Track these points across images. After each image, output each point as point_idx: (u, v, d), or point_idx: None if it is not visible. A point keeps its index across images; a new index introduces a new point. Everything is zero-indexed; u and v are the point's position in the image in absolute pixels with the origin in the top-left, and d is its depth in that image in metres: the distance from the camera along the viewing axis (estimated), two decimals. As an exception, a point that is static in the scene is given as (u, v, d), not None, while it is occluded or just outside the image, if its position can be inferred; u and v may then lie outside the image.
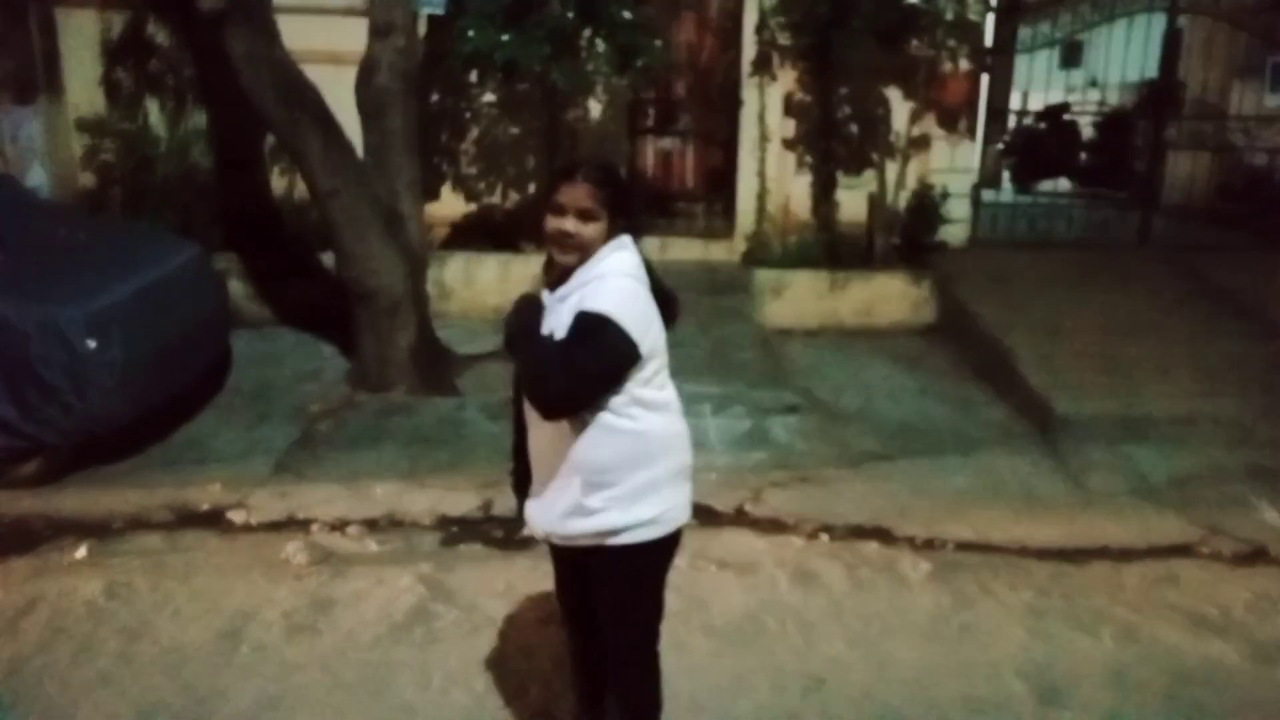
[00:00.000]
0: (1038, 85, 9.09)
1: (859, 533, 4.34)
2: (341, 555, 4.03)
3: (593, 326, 2.10)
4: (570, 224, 2.17)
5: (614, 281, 2.17)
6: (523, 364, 2.24)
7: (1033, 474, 5.04)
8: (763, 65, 7.65)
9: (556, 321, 2.19)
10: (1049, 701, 3.15)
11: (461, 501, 4.53)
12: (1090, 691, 3.20)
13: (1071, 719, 3.08)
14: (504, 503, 4.48)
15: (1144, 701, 3.17)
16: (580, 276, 2.21)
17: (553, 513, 2.31)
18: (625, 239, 2.26)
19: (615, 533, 2.26)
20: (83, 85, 7.45)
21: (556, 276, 2.26)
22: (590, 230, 2.19)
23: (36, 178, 7.16)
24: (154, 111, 7.55)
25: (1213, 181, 8.81)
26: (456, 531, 4.29)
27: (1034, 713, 3.09)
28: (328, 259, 6.38)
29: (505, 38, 6.18)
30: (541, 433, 2.28)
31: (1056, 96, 10.88)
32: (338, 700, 3.07)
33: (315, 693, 3.11)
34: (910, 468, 5.09)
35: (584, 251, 2.20)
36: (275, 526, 4.29)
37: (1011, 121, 10.37)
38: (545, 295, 2.27)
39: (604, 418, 2.20)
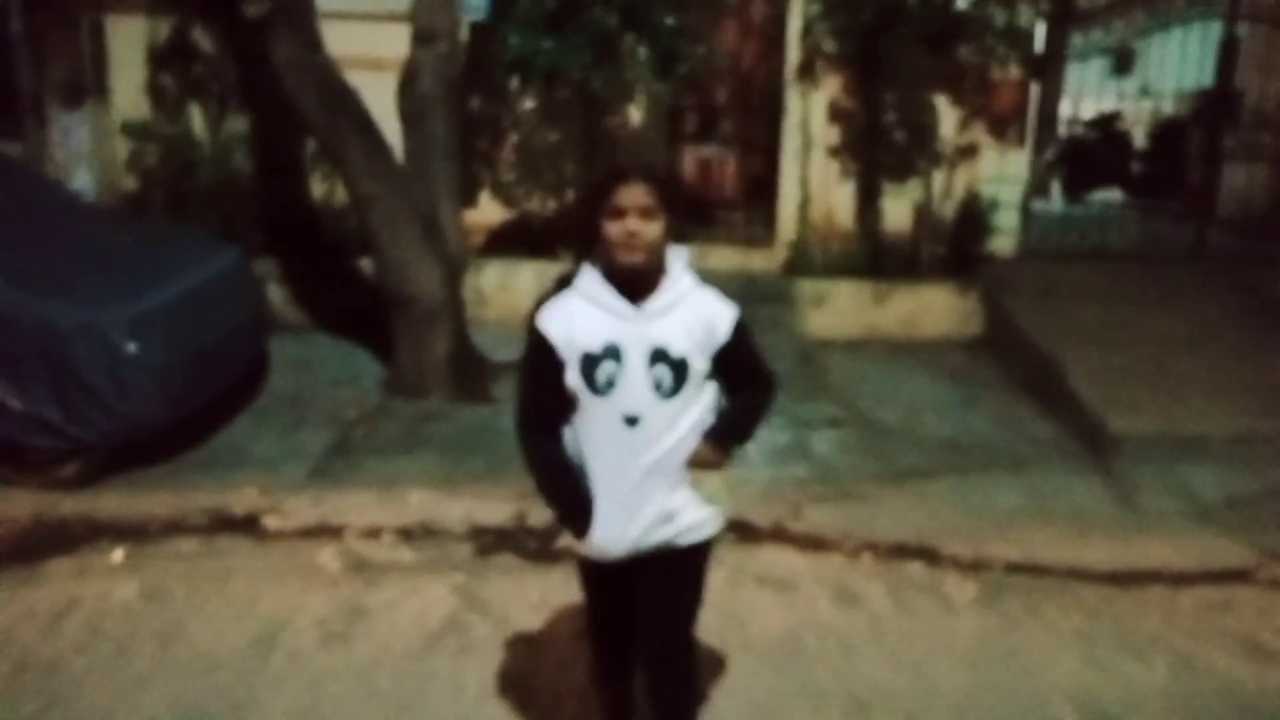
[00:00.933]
0: (1089, 93, 8.92)
1: (902, 551, 4.25)
2: (375, 563, 4.03)
3: (748, 328, 2.35)
4: (634, 223, 2.17)
5: (711, 291, 2.35)
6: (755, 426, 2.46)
7: (1083, 493, 4.92)
8: (806, 71, 7.58)
9: (662, 334, 2.23)
10: (1101, 731, 3.04)
11: (496, 511, 4.49)
12: (1144, 721, 3.09)
13: (1125, 750, 2.97)
14: (539, 514, 4.47)
15: (1202, 735, 3.06)
16: (669, 291, 2.26)
17: (637, 527, 2.31)
18: (684, 252, 2.33)
19: (693, 529, 2.36)
20: (128, 90, 7.57)
21: (625, 284, 2.25)
22: (654, 228, 2.20)
23: (82, 181, 7.33)
24: (197, 116, 7.67)
25: (1271, 193, 8.59)
26: (490, 542, 4.26)
27: (1085, 742, 2.99)
28: (366, 265, 6.43)
29: (547, 44, 6.19)
30: (625, 451, 2.27)
31: (1108, 105, 10.68)
32: (371, 711, 3.07)
33: (348, 702, 3.10)
34: (956, 485, 4.98)
35: (650, 251, 2.21)
36: (310, 533, 4.30)
37: (1062, 130, 10.21)
38: (621, 307, 2.24)
39: (701, 417, 2.34)
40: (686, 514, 2.33)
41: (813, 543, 4.28)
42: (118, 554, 4.06)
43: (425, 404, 5.71)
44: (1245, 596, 3.95)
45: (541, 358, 2.27)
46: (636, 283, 2.24)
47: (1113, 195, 10.04)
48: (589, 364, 2.22)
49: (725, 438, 2.36)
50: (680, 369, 2.23)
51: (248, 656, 3.33)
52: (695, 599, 2.49)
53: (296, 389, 5.94)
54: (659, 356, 2.22)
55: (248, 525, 4.36)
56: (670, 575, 2.41)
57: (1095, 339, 6.40)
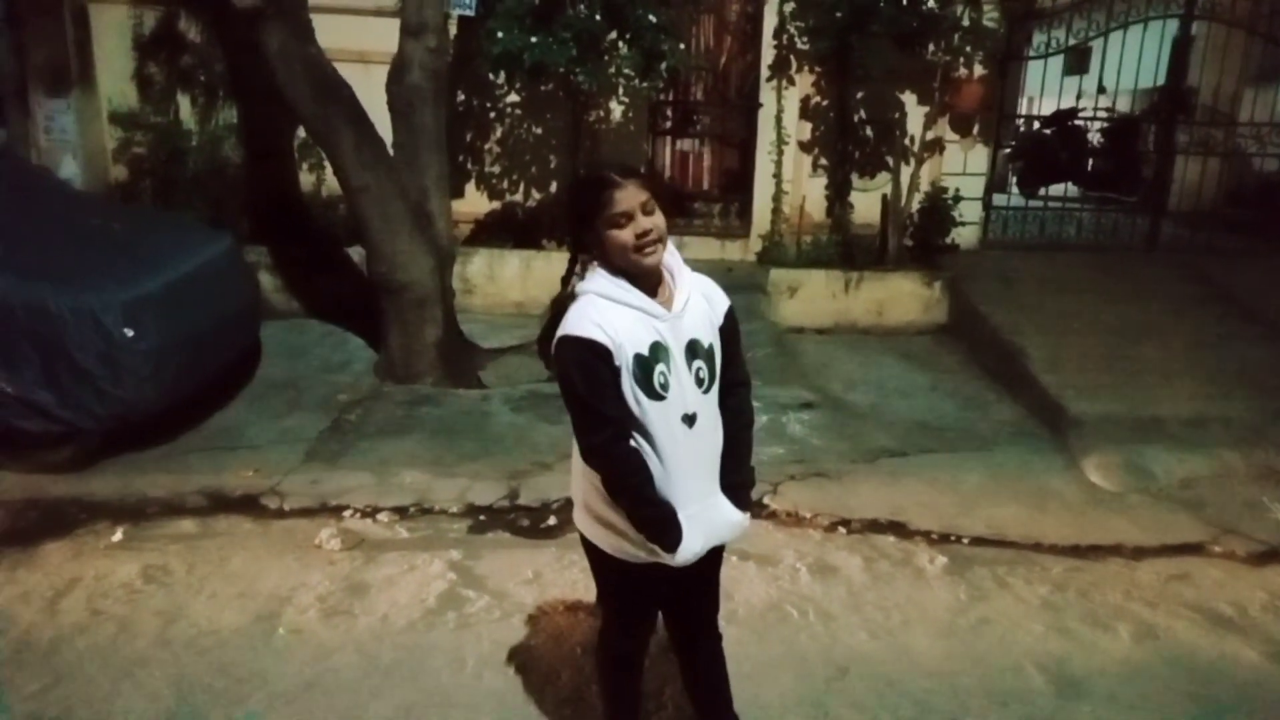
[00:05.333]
0: (1044, 91, 9.13)
1: (875, 527, 4.40)
2: (373, 541, 4.09)
3: (736, 316, 2.32)
4: (644, 221, 2.08)
5: (705, 277, 2.32)
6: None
7: (1045, 472, 5.10)
8: (781, 69, 7.75)
9: (690, 327, 2.18)
10: (1069, 695, 3.17)
11: (488, 490, 4.61)
12: (1110, 686, 3.23)
13: (1091, 712, 3.10)
14: (530, 493, 4.60)
15: (1164, 699, 3.20)
16: (683, 286, 2.21)
17: (726, 520, 2.30)
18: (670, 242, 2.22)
19: None
20: (115, 79, 7.52)
21: (643, 284, 2.16)
22: (661, 219, 2.11)
23: (69, 169, 7.25)
24: (185, 106, 7.63)
25: (1222, 187, 8.85)
26: (484, 520, 4.36)
27: (1054, 705, 3.12)
28: (354, 253, 6.47)
29: (534, 39, 6.24)
30: (690, 452, 2.21)
31: (1063, 102, 10.89)
32: (374, 683, 3.11)
33: (352, 675, 3.14)
34: (924, 464, 5.16)
35: (663, 242, 2.13)
36: (307, 512, 4.36)
37: (1020, 126, 10.39)
38: (654, 307, 2.14)
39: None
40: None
41: (792, 519, 4.43)
42: (116, 534, 4.06)
43: (416, 389, 5.79)
44: (1201, 569, 4.12)
45: (599, 367, 2.08)
46: (650, 280, 2.16)
47: (1068, 189, 10.26)
48: (643, 368, 2.10)
49: (745, 495, 2.34)
50: (712, 358, 2.21)
51: (250, 633, 3.35)
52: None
53: (289, 374, 5.97)
54: (695, 350, 2.18)
55: (246, 506, 4.40)
56: (715, 557, 2.42)
57: (1054, 326, 6.63)
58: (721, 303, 2.30)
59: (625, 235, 2.07)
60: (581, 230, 2.14)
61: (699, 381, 2.19)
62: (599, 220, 2.08)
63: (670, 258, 2.20)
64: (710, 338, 2.23)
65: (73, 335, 4.44)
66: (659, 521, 2.16)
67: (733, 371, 2.32)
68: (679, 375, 2.15)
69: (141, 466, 4.75)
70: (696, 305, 2.23)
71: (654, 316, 2.13)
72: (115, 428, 4.69)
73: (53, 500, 4.39)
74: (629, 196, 2.06)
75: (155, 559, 3.86)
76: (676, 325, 2.16)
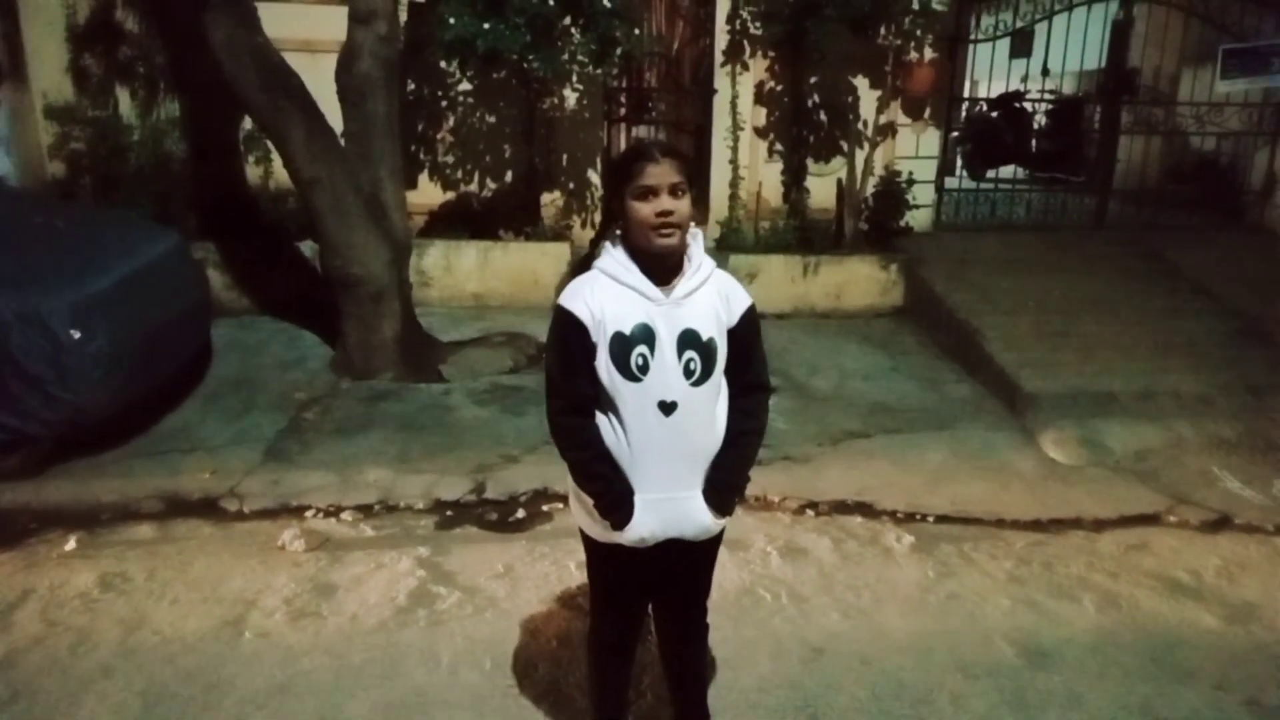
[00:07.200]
0: (988, 74, 9.23)
1: (842, 508, 4.45)
2: (338, 541, 4.03)
3: (758, 323, 2.30)
4: (668, 201, 2.08)
5: (730, 276, 2.30)
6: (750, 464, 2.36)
7: (1004, 448, 5.20)
8: (735, 54, 7.73)
9: (690, 317, 2.16)
10: (1039, 666, 3.24)
11: (455, 486, 4.56)
12: (1078, 655, 3.31)
13: (1062, 681, 3.17)
14: (497, 487, 4.55)
15: (1130, 664, 3.29)
16: (695, 275, 2.19)
17: (693, 518, 2.26)
18: (699, 233, 2.25)
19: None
20: (49, 71, 7.23)
21: (651, 265, 2.16)
22: (685, 206, 2.11)
23: (2, 166, 6.97)
24: (125, 99, 7.37)
25: (1163, 165, 9.07)
26: (451, 515, 4.31)
27: (1025, 676, 3.18)
28: (306, 248, 6.34)
29: (486, 25, 6.14)
30: (663, 439, 2.19)
31: (1009, 85, 11.03)
32: (347, 683, 3.06)
33: (324, 677, 3.09)
34: (887, 444, 5.22)
35: (682, 230, 2.13)
36: (269, 514, 4.28)
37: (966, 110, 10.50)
38: (650, 289, 2.15)
39: (723, 407, 2.30)
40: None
41: (760, 503, 4.46)
42: (70, 543, 3.95)
43: (375, 384, 5.71)
44: (1158, 538, 4.24)
45: (572, 339, 2.14)
46: (663, 263, 2.16)
47: (1014, 171, 10.41)
48: (621, 346, 2.12)
49: (726, 499, 2.29)
50: (709, 353, 2.17)
51: (216, 638, 3.28)
52: (716, 557, 2.52)
53: (243, 373, 5.85)
54: (689, 341, 2.15)
55: (204, 509, 4.31)
56: (710, 548, 2.41)
57: (1008, 305, 6.74)
58: (740, 304, 2.25)
59: (646, 210, 2.10)
60: (613, 197, 2.21)
61: (688, 373, 2.16)
62: (628, 189, 2.11)
63: (694, 247, 2.22)
64: (712, 332, 2.19)
65: (17, 339, 4.29)
66: (602, 496, 2.21)
67: (749, 374, 2.30)
68: (663, 361, 2.14)
69: (93, 472, 4.63)
70: (704, 298, 2.20)
71: (648, 299, 2.15)
72: (65, 433, 4.57)
73: (2, 510, 4.26)
74: (661, 174, 2.09)
75: (113, 566, 3.76)
76: (672, 312, 2.16)
